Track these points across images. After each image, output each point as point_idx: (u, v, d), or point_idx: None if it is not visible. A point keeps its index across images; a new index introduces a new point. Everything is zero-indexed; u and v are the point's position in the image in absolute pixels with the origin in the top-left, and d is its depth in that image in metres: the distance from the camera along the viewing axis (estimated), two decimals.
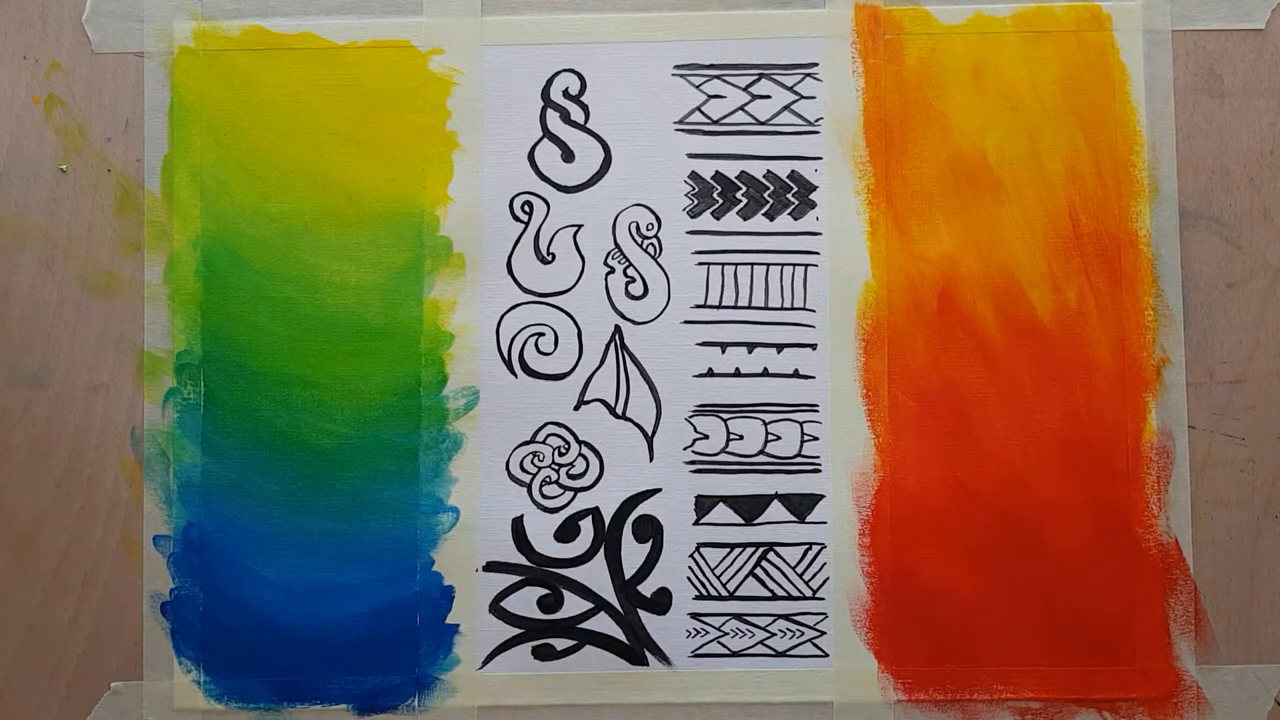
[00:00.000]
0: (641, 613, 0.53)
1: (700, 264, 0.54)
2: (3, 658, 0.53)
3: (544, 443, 0.54)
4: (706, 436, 0.54)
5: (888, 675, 0.53)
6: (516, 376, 0.54)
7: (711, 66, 0.55)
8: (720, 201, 0.55)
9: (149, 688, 0.53)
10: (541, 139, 0.55)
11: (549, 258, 0.55)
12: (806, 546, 0.53)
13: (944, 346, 0.53)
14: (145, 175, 0.55)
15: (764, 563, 0.53)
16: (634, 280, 0.54)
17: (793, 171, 0.55)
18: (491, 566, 0.54)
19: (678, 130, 0.55)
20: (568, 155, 0.55)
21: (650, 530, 0.53)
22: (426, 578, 0.53)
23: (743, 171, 0.55)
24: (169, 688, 0.53)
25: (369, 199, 0.55)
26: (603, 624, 0.53)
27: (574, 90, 0.55)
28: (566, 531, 0.54)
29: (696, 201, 0.55)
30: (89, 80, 0.55)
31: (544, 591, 0.53)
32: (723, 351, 0.54)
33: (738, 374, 0.54)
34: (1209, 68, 0.54)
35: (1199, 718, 0.52)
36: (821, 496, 0.53)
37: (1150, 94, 0.54)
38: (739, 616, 0.53)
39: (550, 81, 0.55)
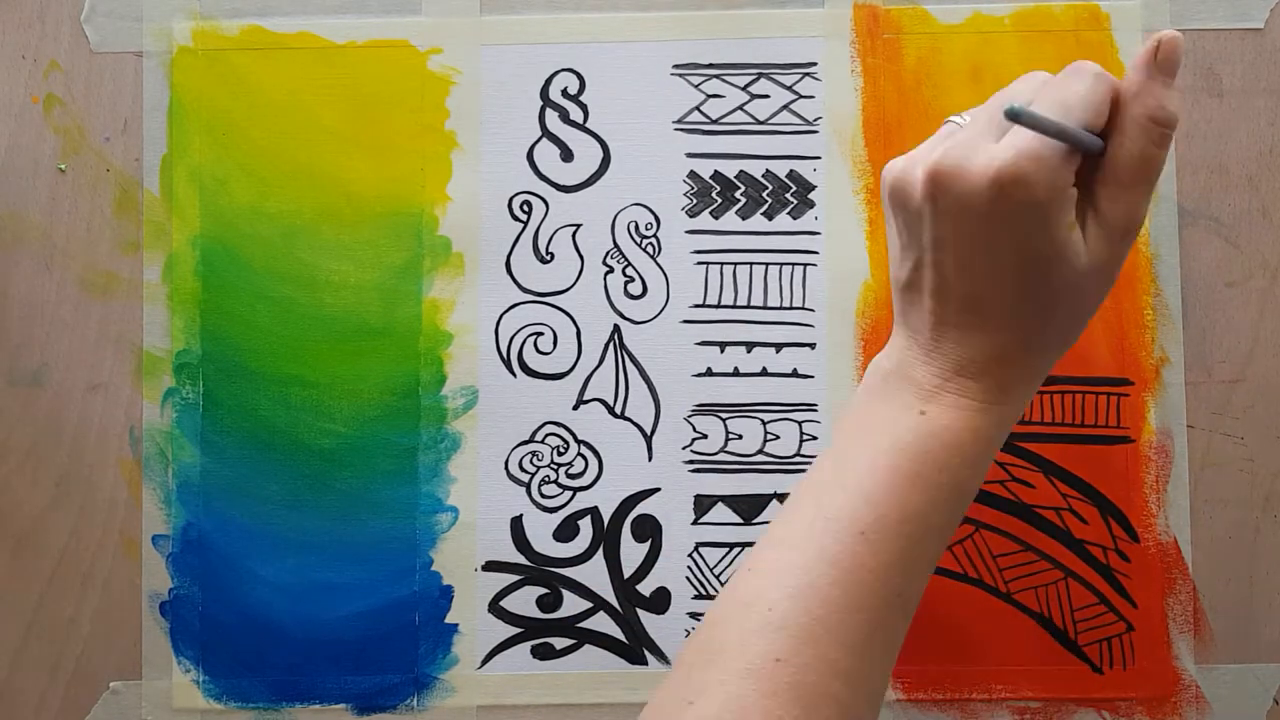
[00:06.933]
0: (640, 612, 0.53)
1: (699, 263, 0.54)
2: (2, 657, 0.53)
3: (543, 442, 0.54)
4: (705, 436, 0.54)
5: None
6: (515, 376, 0.54)
7: (710, 66, 0.55)
8: (719, 201, 0.54)
9: (148, 687, 0.53)
10: (540, 138, 0.55)
11: (548, 257, 0.55)
12: None
13: None
14: (144, 175, 0.55)
15: None
16: (633, 280, 0.54)
17: (791, 171, 0.54)
18: (490, 566, 0.54)
19: (676, 130, 0.55)
20: (567, 155, 0.55)
21: (649, 529, 0.53)
22: (425, 577, 0.53)
23: (741, 171, 0.55)
24: (168, 687, 0.53)
25: (368, 198, 0.55)
26: (602, 623, 0.53)
27: (573, 90, 0.55)
28: (565, 531, 0.54)
29: (695, 201, 0.55)
30: (88, 80, 0.55)
31: (543, 591, 0.53)
32: (721, 351, 0.54)
33: (736, 373, 0.54)
34: (1208, 67, 0.54)
35: (1198, 717, 0.52)
36: None
37: None
38: None
39: (549, 81, 0.55)
